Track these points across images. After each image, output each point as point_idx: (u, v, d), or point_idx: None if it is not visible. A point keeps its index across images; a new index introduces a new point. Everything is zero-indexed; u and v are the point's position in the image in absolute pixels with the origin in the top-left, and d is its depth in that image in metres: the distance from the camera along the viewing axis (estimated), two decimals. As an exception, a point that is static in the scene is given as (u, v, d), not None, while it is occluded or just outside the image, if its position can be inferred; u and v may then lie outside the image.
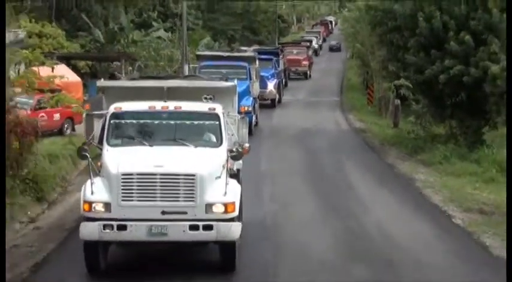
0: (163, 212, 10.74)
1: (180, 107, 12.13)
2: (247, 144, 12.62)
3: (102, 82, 14.10)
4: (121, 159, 11.28)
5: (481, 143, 23.99)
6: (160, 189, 10.77)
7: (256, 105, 29.74)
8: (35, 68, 16.99)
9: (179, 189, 10.78)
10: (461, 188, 18.61)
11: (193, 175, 10.76)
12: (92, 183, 11.00)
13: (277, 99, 38.11)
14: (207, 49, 45.84)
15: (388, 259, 12.45)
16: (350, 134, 30.97)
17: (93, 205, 10.85)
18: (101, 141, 12.19)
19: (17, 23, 31.70)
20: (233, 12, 66.27)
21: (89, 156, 11.23)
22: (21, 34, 27.88)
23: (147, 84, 13.10)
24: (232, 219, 10.90)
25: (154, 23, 48.57)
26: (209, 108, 12.28)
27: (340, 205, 16.77)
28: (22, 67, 20.00)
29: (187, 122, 12.17)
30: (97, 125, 12.80)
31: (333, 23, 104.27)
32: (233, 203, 10.90)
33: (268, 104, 36.41)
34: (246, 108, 24.98)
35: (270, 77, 36.39)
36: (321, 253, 12.64)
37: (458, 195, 17.72)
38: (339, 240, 13.73)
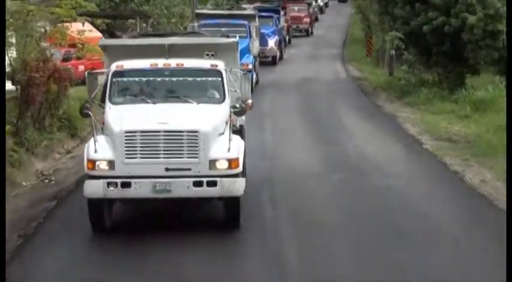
0: (167, 169, 10.75)
1: (182, 64, 12.09)
2: (250, 100, 12.58)
3: (103, 40, 14.05)
4: (124, 117, 11.27)
5: (462, 87, 26.65)
6: (164, 146, 10.78)
7: (257, 64, 29.52)
8: (67, 24, 19.76)
9: (183, 146, 10.79)
10: (437, 123, 21.10)
11: (197, 131, 10.79)
12: (95, 142, 10.94)
13: (278, 56, 37.89)
14: (216, 6, 47.10)
15: (361, 170, 15.49)
16: (347, 81, 33.40)
17: (97, 163, 10.80)
18: (103, 100, 12.13)
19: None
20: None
21: (91, 114, 11.24)
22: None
23: (148, 41, 12.88)
24: (236, 175, 10.89)
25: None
26: (211, 65, 12.22)
27: (328, 135, 19.75)
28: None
29: (190, 79, 12.13)
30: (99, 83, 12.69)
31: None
32: (237, 159, 10.90)
33: (269, 61, 36.46)
34: (247, 65, 25.23)
35: (270, 34, 36.29)
36: (307, 167, 15.68)
37: (433, 128, 20.29)
38: (323, 158, 16.78)
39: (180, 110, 11.63)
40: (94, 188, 10.81)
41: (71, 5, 40.23)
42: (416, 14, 26.40)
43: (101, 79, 12.69)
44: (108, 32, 37.78)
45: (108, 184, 10.72)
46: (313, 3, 64.93)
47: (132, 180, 10.71)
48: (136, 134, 10.81)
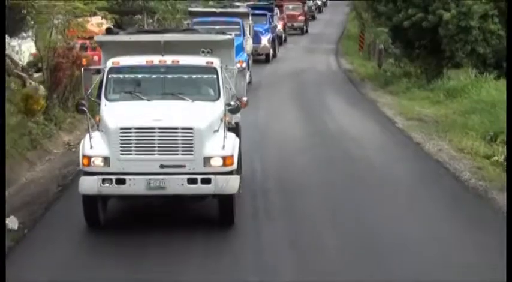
0: (161, 166, 10.75)
1: (178, 61, 12.04)
2: (245, 98, 12.62)
3: (99, 37, 13.57)
4: (119, 113, 11.30)
5: (439, 77, 29.44)
6: (159, 143, 10.78)
7: (250, 62, 29.19)
8: (87, 18, 22.66)
9: (177, 143, 10.80)
10: (411, 107, 23.79)
11: (191, 128, 10.79)
12: (90, 138, 10.91)
13: (271, 54, 37.96)
14: (217, 4, 49.16)
15: (339, 141, 18.47)
16: (338, 72, 35.92)
17: (92, 159, 10.79)
18: (99, 96, 12.07)
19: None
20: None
21: (87, 110, 11.23)
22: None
23: (144, 38, 12.78)
24: (230, 173, 10.91)
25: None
26: (207, 62, 12.16)
27: (315, 116, 22.61)
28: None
29: (185, 76, 12.10)
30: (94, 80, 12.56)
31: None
32: (231, 156, 10.90)
33: (262, 59, 36.64)
34: (241, 63, 24.14)
35: (263, 31, 36.31)
36: (294, 141, 18.56)
37: (407, 111, 23.01)
38: (308, 134, 19.61)
39: (175, 107, 11.67)
40: (89, 184, 10.84)
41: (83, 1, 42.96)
42: (398, 10, 29.16)
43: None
44: (117, 27, 40.55)
45: (103, 180, 10.75)
46: (310, 1, 66.72)
47: (127, 177, 10.75)
48: (131, 130, 10.83)
